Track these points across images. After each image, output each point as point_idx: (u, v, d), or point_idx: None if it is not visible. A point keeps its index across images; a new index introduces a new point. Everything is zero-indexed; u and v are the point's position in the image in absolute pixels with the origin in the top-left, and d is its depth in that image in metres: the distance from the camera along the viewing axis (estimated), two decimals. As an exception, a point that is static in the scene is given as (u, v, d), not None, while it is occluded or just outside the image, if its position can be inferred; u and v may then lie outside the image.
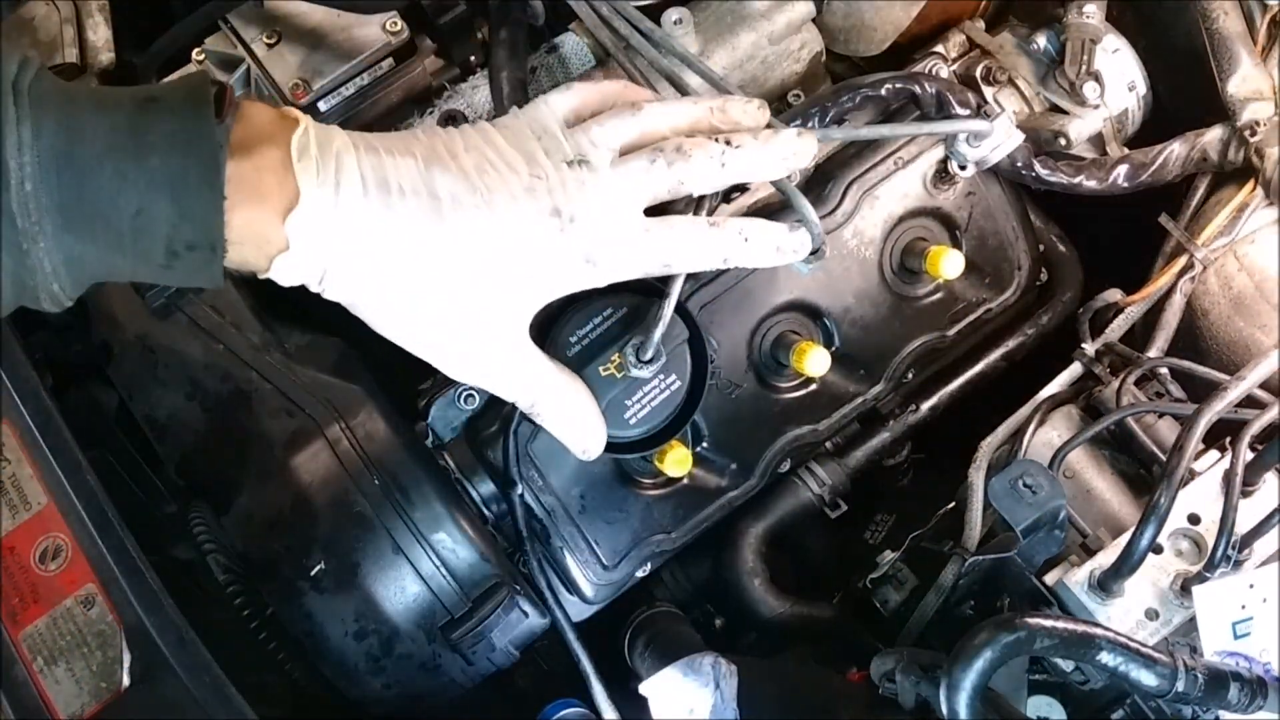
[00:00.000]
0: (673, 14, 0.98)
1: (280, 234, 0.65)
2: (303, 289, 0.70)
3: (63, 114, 0.61)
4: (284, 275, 0.68)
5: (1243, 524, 0.79)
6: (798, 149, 0.75)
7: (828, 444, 1.02)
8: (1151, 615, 0.80)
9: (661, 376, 0.81)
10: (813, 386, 0.97)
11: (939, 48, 1.07)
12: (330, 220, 0.66)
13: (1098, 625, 0.71)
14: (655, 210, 0.74)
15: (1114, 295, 1.04)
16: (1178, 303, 1.01)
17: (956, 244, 0.98)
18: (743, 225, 0.75)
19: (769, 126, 0.77)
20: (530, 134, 0.72)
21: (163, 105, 0.63)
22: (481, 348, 0.73)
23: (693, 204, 0.77)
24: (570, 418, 0.78)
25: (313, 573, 0.84)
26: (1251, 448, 0.82)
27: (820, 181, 0.96)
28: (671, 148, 0.72)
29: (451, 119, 1.01)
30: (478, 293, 0.71)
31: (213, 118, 0.62)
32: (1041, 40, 1.05)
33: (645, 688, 0.85)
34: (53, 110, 0.60)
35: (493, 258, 0.70)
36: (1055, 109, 1.04)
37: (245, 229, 0.64)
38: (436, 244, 0.68)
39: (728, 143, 0.73)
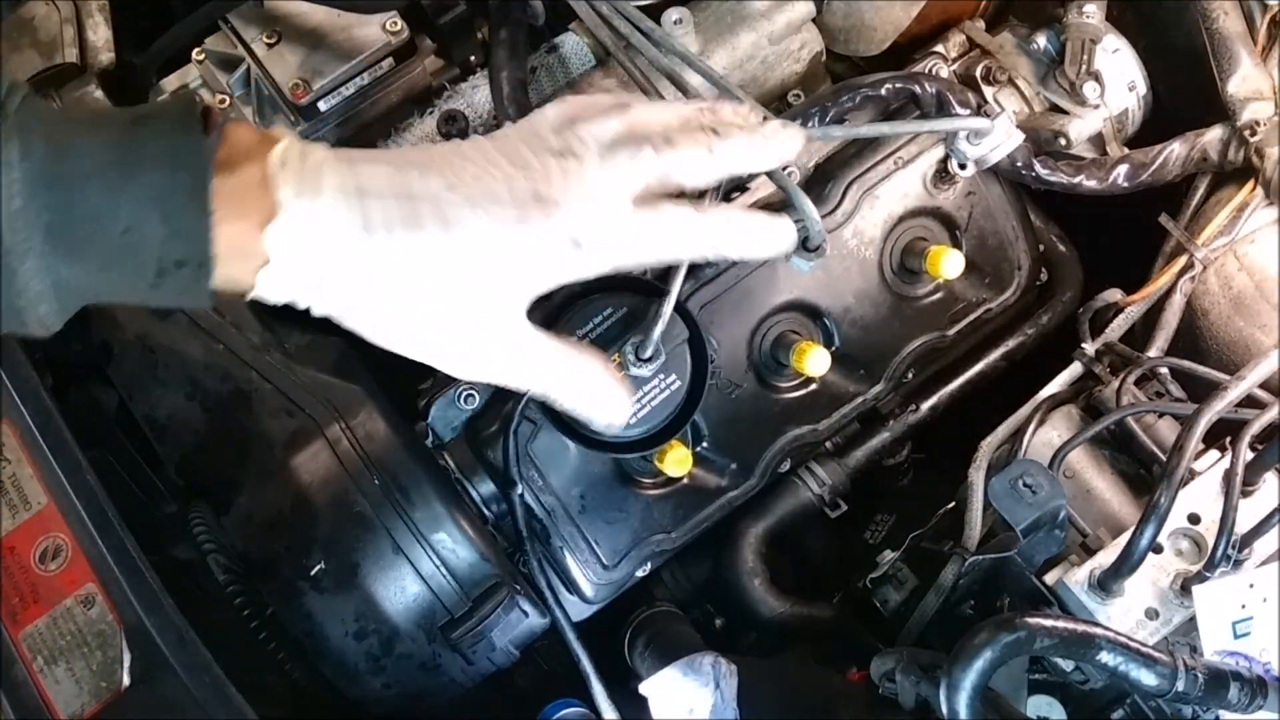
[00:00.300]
0: (673, 14, 0.98)
1: (261, 247, 0.65)
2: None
3: (51, 135, 0.61)
4: (269, 291, 0.67)
5: (1243, 524, 0.79)
6: (785, 138, 0.75)
7: (828, 444, 1.02)
8: (1151, 615, 0.80)
9: (661, 376, 0.81)
10: (813, 386, 0.97)
11: (939, 48, 1.07)
12: (311, 230, 0.66)
13: (1098, 625, 0.71)
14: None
15: (1114, 295, 1.04)
16: (1178, 303, 1.01)
17: (956, 244, 0.98)
18: (731, 212, 0.75)
19: None
20: (519, 139, 0.72)
21: (151, 124, 0.63)
22: (480, 343, 0.72)
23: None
24: (584, 393, 0.75)
25: (313, 573, 0.84)
26: (1251, 448, 0.82)
27: (820, 181, 0.96)
28: (659, 138, 0.72)
29: (451, 119, 1.01)
30: (468, 287, 0.70)
31: (201, 135, 0.63)
32: (1041, 40, 1.05)
33: (645, 688, 0.85)
34: (41, 131, 0.60)
35: (478, 251, 0.69)
36: (1055, 109, 1.04)
37: (229, 243, 0.64)
38: (421, 245, 0.68)
39: (715, 132, 0.73)
